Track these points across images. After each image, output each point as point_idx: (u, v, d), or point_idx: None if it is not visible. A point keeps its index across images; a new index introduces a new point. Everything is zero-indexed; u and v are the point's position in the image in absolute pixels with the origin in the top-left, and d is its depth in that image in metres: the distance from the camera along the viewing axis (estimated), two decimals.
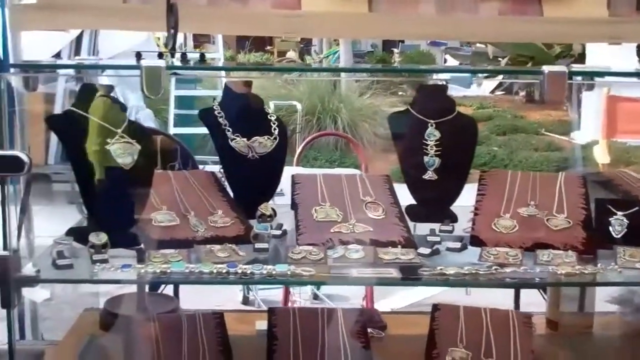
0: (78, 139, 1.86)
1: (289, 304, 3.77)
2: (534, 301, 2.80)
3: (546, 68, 1.51)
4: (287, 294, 4.36)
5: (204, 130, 2.18)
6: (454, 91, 12.37)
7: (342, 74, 10.83)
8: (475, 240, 1.84)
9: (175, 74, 9.26)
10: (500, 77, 12.07)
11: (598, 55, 7.53)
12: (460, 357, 1.97)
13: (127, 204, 1.83)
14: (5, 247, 1.62)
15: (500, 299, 2.41)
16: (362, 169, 4.17)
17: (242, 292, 4.67)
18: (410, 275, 1.65)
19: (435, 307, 2.11)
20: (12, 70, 1.93)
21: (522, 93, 11.68)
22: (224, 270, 1.64)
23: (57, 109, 7.03)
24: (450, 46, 13.81)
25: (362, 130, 9.58)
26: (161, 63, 1.51)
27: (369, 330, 2.18)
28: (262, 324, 2.24)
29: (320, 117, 9.89)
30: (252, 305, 4.58)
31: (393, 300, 4.54)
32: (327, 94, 10.26)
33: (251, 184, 2.07)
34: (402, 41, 14.95)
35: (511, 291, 3.08)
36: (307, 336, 2.05)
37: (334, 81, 10.73)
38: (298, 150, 4.95)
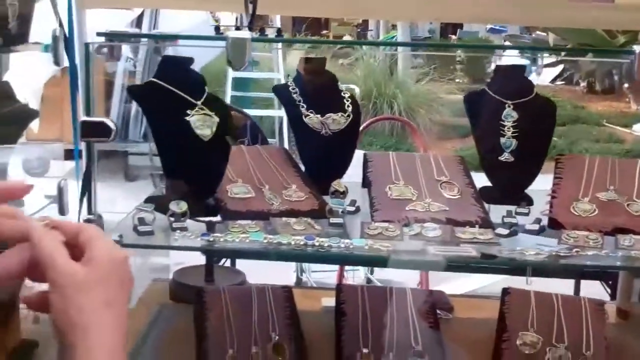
0: (159, 109, 1.89)
1: None
2: (594, 292, 2.76)
3: (637, 47, 1.47)
4: (341, 277, 4.38)
5: (260, 112, 2.20)
6: None
7: (400, 62, 10.76)
8: (553, 223, 1.81)
9: None
10: (561, 66, 11.83)
11: None
12: (531, 341, 1.95)
13: (205, 175, 1.85)
14: (90, 212, 1.66)
15: (561, 289, 2.37)
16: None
17: (296, 274, 4.69)
18: (489, 256, 1.63)
19: (506, 291, 2.09)
20: (94, 38, 1.96)
21: (583, 83, 11.43)
22: (302, 242, 1.65)
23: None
24: (510, 33, 13.58)
25: (418, 117, 9.52)
26: (247, 35, 1.51)
27: (438, 311, 2.17)
28: (328, 301, 2.26)
29: (377, 102, 9.87)
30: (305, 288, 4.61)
31: (448, 287, 4.52)
32: (384, 79, 10.23)
33: (324, 160, 2.08)
34: (461, 27, 14.76)
35: (571, 282, 3.04)
36: (375, 314, 2.05)
37: (390, 66, 10.68)
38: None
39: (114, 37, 1.96)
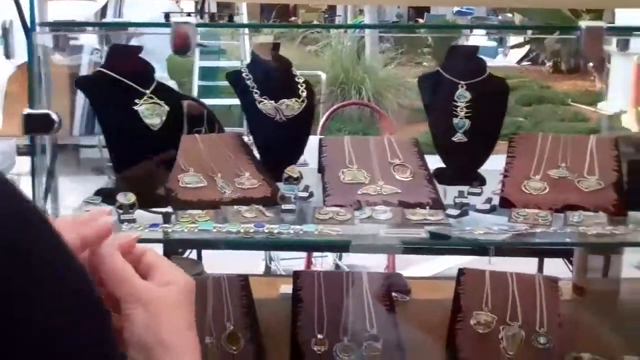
0: (107, 99, 1.86)
1: None
2: (558, 271, 2.79)
3: (583, 23, 1.47)
4: (309, 263, 4.38)
5: (228, 101, 2.18)
6: None
7: (367, 47, 10.74)
8: (505, 202, 1.82)
9: (199, 45, 9.25)
10: (527, 47, 11.90)
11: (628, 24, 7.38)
12: (485, 320, 1.96)
13: (154, 165, 1.83)
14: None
15: (524, 268, 2.40)
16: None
17: (265, 262, 4.68)
18: (438, 236, 1.63)
19: (461, 272, 2.10)
20: (38, 29, 1.92)
21: (549, 63, 11.52)
22: (251, 230, 1.64)
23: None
24: (477, 16, 13.63)
25: (386, 101, 9.53)
26: (191, 20, 1.49)
27: (394, 294, 2.18)
28: (286, 288, 2.26)
29: (344, 87, 9.85)
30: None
31: (415, 270, 4.54)
32: (351, 65, 10.21)
33: (278, 146, 2.06)
34: (428, 11, 14.77)
35: (535, 260, 3.07)
36: (331, 299, 2.05)
37: (358, 51, 10.65)
38: (322, 120, 4.94)
39: (60, 27, 1.91)
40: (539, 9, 9.51)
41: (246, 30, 9.42)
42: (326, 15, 16.03)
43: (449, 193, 1.96)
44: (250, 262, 4.46)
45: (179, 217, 1.72)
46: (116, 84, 1.84)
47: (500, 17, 12.70)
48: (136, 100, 1.82)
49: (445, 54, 2.12)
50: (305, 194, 1.93)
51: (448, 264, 4.47)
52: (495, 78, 2.09)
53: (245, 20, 9.89)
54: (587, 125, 8.32)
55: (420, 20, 13.28)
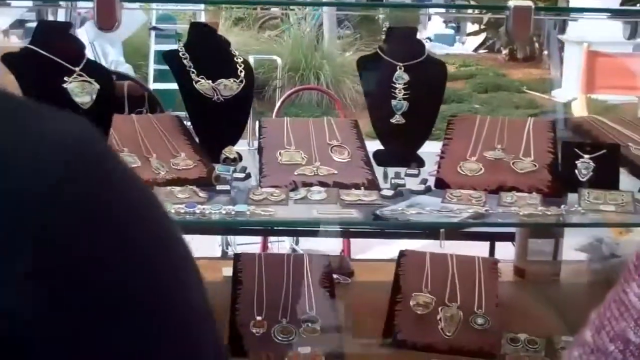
0: (35, 77, 1.80)
1: None
2: (510, 254, 2.81)
3: (512, 3, 1.47)
4: (265, 247, 4.36)
5: None
6: (438, 49, 12.29)
7: (325, 32, 10.71)
8: (440, 183, 1.82)
9: (155, 28, 9.07)
10: (484, 35, 11.98)
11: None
12: (424, 301, 1.96)
13: None
14: None
15: (476, 251, 2.41)
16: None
17: (221, 247, 4.66)
18: (371, 215, 1.62)
19: (402, 253, 2.10)
20: None
21: (505, 51, 11.61)
22: (182, 211, 1.61)
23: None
24: (435, 2, 13.64)
25: (344, 87, 9.51)
26: None
27: (336, 276, 2.17)
28: (229, 271, 2.23)
29: (304, 73, 9.81)
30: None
31: (371, 254, 4.55)
32: (310, 50, 10.17)
33: (216, 127, 2.03)
34: None
35: (487, 243, 3.08)
36: (271, 281, 2.03)
37: (317, 37, 10.61)
38: (277, 105, 4.90)
39: None
40: None
41: (202, 15, 9.30)
42: None
43: (390, 175, 1.95)
44: (207, 247, 4.43)
45: None
46: (44, 61, 1.79)
47: (456, 3, 12.74)
48: (65, 78, 1.76)
49: (384, 36, 2.10)
50: (241, 175, 1.90)
51: (406, 246, 4.50)
52: (433, 60, 2.08)
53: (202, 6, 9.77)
54: (543, 113, 8.41)
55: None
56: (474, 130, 1.98)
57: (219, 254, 4.59)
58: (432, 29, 12.74)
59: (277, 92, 7.69)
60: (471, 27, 12.24)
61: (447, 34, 12.59)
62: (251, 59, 7.38)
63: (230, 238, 4.60)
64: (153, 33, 8.42)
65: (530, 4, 1.48)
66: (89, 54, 7.25)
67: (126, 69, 7.77)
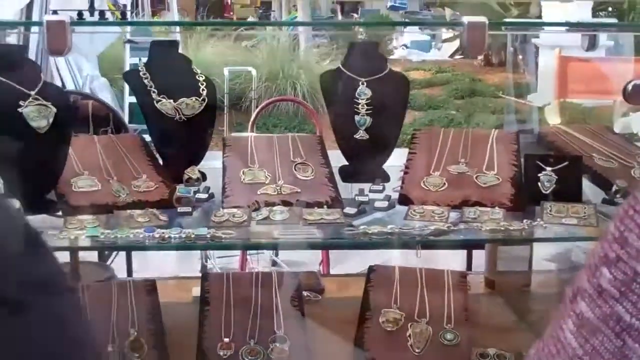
0: None
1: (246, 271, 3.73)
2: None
3: (466, 19, 1.46)
4: (244, 261, 4.33)
5: None
6: (415, 55, 12.34)
7: (302, 42, 10.72)
8: (404, 199, 1.80)
9: (130, 41, 9.03)
10: (459, 40, 12.01)
11: (554, 17, 7.53)
12: (394, 317, 1.95)
13: (42, 169, 1.75)
14: None
15: (452, 261, 2.40)
16: (318, 134, 4.12)
17: (201, 261, 4.62)
18: (333, 235, 1.60)
19: (371, 269, 2.08)
20: None
21: (480, 57, 11.67)
22: (141, 235, 1.58)
23: None
24: (410, 10, 13.74)
25: (321, 97, 9.47)
26: (64, 18, 1.42)
27: (306, 293, 2.15)
28: (198, 291, 2.20)
29: (280, 83, 9.80)
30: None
31: (350, 265, 4.53)
32: (287, 61, 10.17)
33: (178, 146, 2.01)
34: (361, 6, 14.81)
35: (464, 253, 3.08)
36: (239, 301, 2.01)
37: (293, 47, 10.62)
38: (252, 117, 4.88)
39: None
40: (469, 2, 9.63)
41: (177, 27, 9.29)
42: (261, 11, 15.94)
43: (354, 191, 1.94)
44: (188, 262, 4.39)
45: (68, 222, 1.65)
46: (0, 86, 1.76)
47: (432, 11, 12.83)
48: (21, 102, 1.73)
49: (346, 51, 2.09)
50: (204, 196, 1.88)
51: (384, 257, 4.49)
52: (395, 74, 2.07)
53: (175, 15, 9.75)
54: (518, 117, 8.44)
55: (355, 15, 13.31)
56: (438, 144, 1.97)
57: (199, 267, 4.57)
58: (407, 35, 12.79)
59: (252, 104, 7.66)
60: (447, 34, 12.29)
61: (423, 40, 12.63)
62: (226, 71, 7.37)
63: (210, 252, 4.57)
64: (128, 46, 8.37)
65: (484, 20, 1.47)
66: (63, 68, 7.15)
67: (102, 83, 7.72)
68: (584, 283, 0.61)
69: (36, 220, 1.70)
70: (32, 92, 1.76)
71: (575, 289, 0.64)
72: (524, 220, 1.67)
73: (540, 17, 9.41)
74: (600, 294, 0.60)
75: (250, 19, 15.58)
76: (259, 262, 4.56)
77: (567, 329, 0.62)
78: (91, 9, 1.78)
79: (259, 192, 1.81)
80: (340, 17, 15.31)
